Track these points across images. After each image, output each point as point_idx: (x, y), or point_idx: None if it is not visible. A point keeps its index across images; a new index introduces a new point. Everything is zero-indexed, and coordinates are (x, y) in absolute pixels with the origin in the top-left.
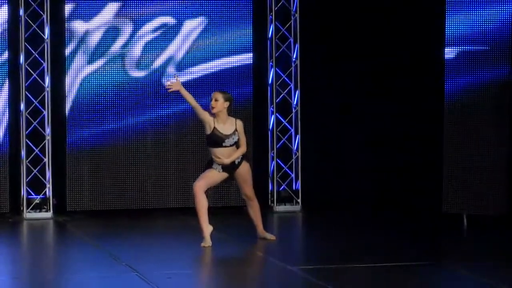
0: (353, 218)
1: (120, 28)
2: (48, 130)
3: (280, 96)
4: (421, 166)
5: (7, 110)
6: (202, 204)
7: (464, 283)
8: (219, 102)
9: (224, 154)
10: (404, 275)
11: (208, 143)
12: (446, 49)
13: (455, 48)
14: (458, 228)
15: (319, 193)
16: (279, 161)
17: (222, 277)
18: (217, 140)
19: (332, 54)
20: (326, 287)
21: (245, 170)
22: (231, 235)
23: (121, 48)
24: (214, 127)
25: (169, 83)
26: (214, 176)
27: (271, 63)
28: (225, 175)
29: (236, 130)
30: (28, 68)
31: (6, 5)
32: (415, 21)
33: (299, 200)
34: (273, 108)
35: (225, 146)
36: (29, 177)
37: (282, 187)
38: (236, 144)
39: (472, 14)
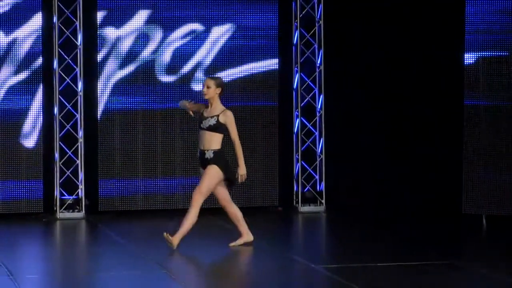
0: (375, 218)
1: (150, 35)
2: (80, 133)
3: (305, 100)
4: (441, 168)
5: (41, 114)
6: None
7: (483, 282)
8: (211, 89)
9: (202, 138)
10: (424, 274)
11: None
12: (466, 55)
13: (475, 54)
14: (477, 228)
15: (342, 194)
16: (304, 163)
17: (247, 275)
18: (198, 122)
19: (354, 59)
20: (349, 285)
21: (206, 171)
22: (255, 235)
23: (151, 53)
24: (202, 113)
25: None
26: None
27: (296, 68)
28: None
29: (217, 116)
30: (62, 73)
31: (41, 13)
32: (435, 26)
33: (323, 201)
34: (298, 112)
35: (202, 128)
36: (62, 178)
37: (307, 188)
38: (216, 130)
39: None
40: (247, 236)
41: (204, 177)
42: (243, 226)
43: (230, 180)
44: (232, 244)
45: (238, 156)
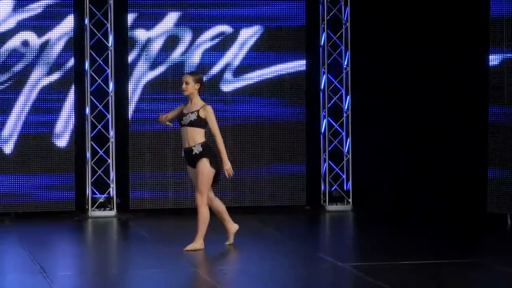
0: (401, 216)
1: (180, 36)
2: (112, 132)
3: (332, 101)
4: (465, 167)
5: (73, 114)
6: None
7: (508, 281)
8: (190, 85)
9: (183, 134)
10: (448, 273)
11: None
12: (491, 56)
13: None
14: (502, 227)
15: (369, 193)
16: (331, 163)
17: (274, 273)
18: (179, 119)
19: (381, 60)
20: (376, 283)
21: (199, 168)
22: (283, 233)
23: (180, 55)
24: (181, 111)
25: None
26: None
27: (323, 69)
28: (190, 171)
29: (197, 111)
30: (93, 74)
31: (72, 15)
32: (462, 27)
33: (350, 200)
34: (325, 112)
35: (184, 125)
36: (94, 177)
37: (334, 187)
38: (197, 125)
39: None
40: (233, 227)
41: (198, 178)
42: (227, 220)
43: (216, 175)
44: (227, 243)
45: (221, 151)
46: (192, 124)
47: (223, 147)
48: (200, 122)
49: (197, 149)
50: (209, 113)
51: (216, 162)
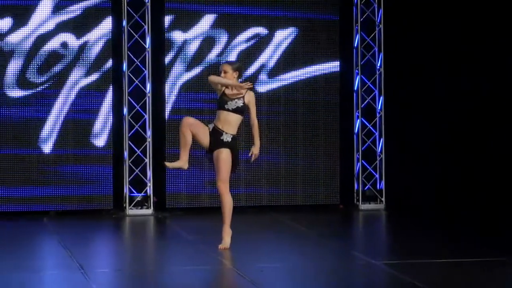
0: (434, 215)
1: (216, 38)
2: (149, 132)
3: (365, 102)
4: (499, 166)
5: (111, 114)
6: (186, 140)
7: None
8: (228, 74)
9: (225, 119)
10: (482, 271)
11: (217, 106)
12: None
13: None
14: None
15: (402, 192)
16: (364, 163)
17: (309, 270)
18: (222, 101)
19: (413, 62)
20: (409, 281)
21: (221, 154)
22: (317, 232)
23: (216, 56)
24: (223, 92)
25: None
26: (204, 131)
27: (356, 70)
28: (207, 142)
29: (243, 97)
30: (131, 75)
31: (110, 17)
32: (497, 25)
33: (383, 199)
34: (358, 113)
35: (228, 110)
36: (131, 176)
37: (367, 186)
38: (241, 113)
39: None
40: (183, 163)
41: (219, 165)
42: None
43: (233, 166)
44: (168, 164)
45: (256, 136)
46: (236, 110)
47: (259, 133)
48: (244, 109)
49: (227, 137)
50: (253, 98)
51: (236, 158)
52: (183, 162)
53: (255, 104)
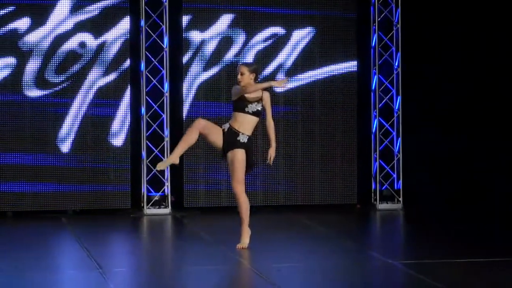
0: (451, 215)
1: (234, 38)
2: (166, 132)
3: (383, 102)
4: None
5: (129, 114)
6: (190, 139)
7: None
8: (245, 76)
9: (244, 122)
10: (499, 270)
11: (233, 109)
12: None
13: None
14: None
15: (419, 192)
16: (382, 162)
17: (326, 270)
18: (241, 104)
19: (431, 61)
20: (426, 281)
21: (236, 154)
22: (334, 231)
23: (234, 56)
24: (243, 95)
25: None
26: (217, 132)
27: (374, 70)
28: (220, 144)
29: (261, 99)
30: (149, 75)
31: (129, 17)
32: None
33: (400, 199)
34: (376, 112)
35: (247, 113)
36: (149, 176)
37: (385, 186)
38: (259, 115)
39: None
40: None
41: (235, 165)
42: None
43: (248, 166)
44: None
45: (272, 138)
46: (255, 113)
47: (275, 134)
48: (262, 111)
49: (243, 138)
50: (269, 99)
51: (251, 159)
52: (174, 157)
53: (270, 105)
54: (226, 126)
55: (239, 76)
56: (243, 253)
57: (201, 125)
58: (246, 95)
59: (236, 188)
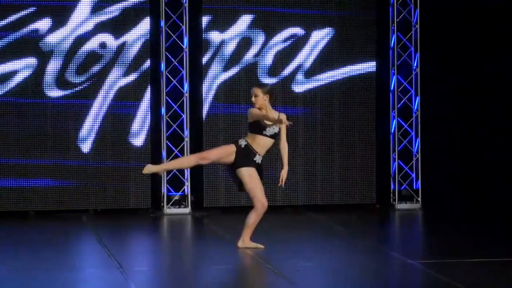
0: (470, 215)
1: (253, 38)
2: (186, 132)
3: (401, 102)
4: None
5: (149, 114)
6: (183, 165)
7: None
8: (259, 98)
9: (261, 144)
10: None
11: (250, 129)
12: None
13: None
14: None
15: (438, 192)
16: (400, 162)
17: (346, 269)
18: (259, 127)
19: (449, 62)
20: (444, 280)
21: (251, 176)
22: (353, 231)
23: (253, 56)
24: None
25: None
26: (223, 151)
27: (393, 71)
28: (231, 159)
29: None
30: (169, 75)
31: (149, 18)
32: None
33: (419, 199)
34: (394, 113)
35: (265, 135)
36: (169, 176)
37: (403, 186)
38: (277, 138)
39: None
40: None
41: (255, 183)
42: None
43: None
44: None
45: (285, 161)
46: (272, 136)
47: (287, 156)
48: (278, 133)
49: (259, 159)
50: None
51: (261, 177)
52: (161, 169)
53: (285, 126)
54: (243, 142)
55: (253, 98)
56: (262, 253)
57: (204, 158)
58: (264, 119)
59: (266, 201)
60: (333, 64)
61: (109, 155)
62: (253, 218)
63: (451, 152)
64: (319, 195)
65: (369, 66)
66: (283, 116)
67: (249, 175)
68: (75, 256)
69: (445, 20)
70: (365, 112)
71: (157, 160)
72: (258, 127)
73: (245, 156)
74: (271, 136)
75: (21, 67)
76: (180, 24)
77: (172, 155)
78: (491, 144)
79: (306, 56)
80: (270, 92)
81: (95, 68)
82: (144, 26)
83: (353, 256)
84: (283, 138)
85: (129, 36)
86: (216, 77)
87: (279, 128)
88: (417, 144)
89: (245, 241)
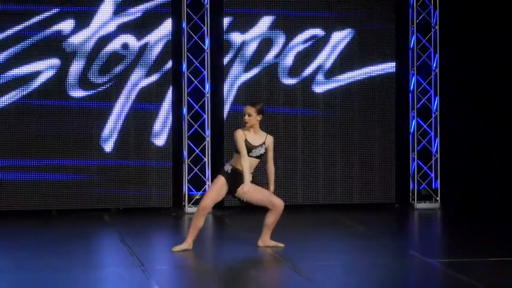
0: (488, 214)
1: (274, 39)
2: (207, 132)
3: (421, 102)
4: None
5: (170, 114)
6: (198, 224)
7: None
8: (252, 117)
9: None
10: None
11: (236, 150)
12: None
13: None
14: None
15: (456, 192)
16: (420, 162)
17: (365, 268)
18: (246, 150)
19: (468, 62)
20: (464, 279)
21: (251, 188)
22: (373, 230)
23: (274, 57)
24: (245, 139)
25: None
26: (218, 191)
27: (412, 71)
28: (225, 190)
29: (264, 143)
30: (190, 76)
31: (170, 19)
32: None
33: (438, 198)
34: (414, 113)
35: (251, 156)
36: (190, 175)
37: (422, 186)
38: (262, 158)
39: None
40: (189, 244)
41: (262, 193)
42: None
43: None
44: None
45: (271, 182)
46: (258, 157)
47: (273, 178)
48: (264, 153)
49: (251, 177)
50: (272, 144)
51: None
52: (187, 244)
53: (273, 149)
54: (229, 168)
55: (246, 117)
56: (282, 251)
57: (206, 208)
58: (251, 141)
59: (280, 201)
60: (353, 65)
61: (131, 155)
62: (272, 218)
63: (470, 152)
64: (338, 194)
65: (389, 67)
66: (270, 139)
67: (251, 191)
68: (97, 254)
69: (465, 20)
70: (385, 112)
71: (178, 160)
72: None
73: (235, 179)
74: (257, 157)
75: (45, 68)
76: (202, 25)
77: (193, 155)
78: (510, 144)
79: (326, 57)
80: (262, 111)
81: (118, 69)
82: (166, 27)
83: (373, 255)
84: (270, 162)
85: (151, 37)
86: (237, 78)
87: (265, 149)
88: (436, 144)
89: (265, 240)
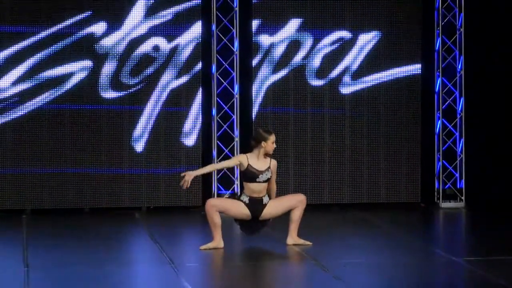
0: None
1: (301, 41)
2: (236, 132)
3: (446, 103)
4: None
5: (200, 115)
6: (214, 221)
7: None
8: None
9: (257, 190)
10: None
11: (243, 178)
12: None
13: None
14: None
15: (481, 191)
16: (445, 162)
17: (391, 266)
18: (252, 175)
19: (493, 64)
20: (489, 278)
21: (272, 205)
22: (398, 229)
23: (302, 59)
24: (248, 164)
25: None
26: (236, 206)
27: (437, 73)
28: (246, 212)
29: (269, 167)
30: (219, 77)
31: (200, 21)
32: None
33: (463, 198)
34: (439, 114)
35: (259, 182)
36: (219, 174)
37: (447, 185)
38: (268, 180)
39: None
40: (218, 242)
41: (282, 204)
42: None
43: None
44: (202, 247)
45: (274, 197)
46: (266, 181)
47: (275, 194)
48: (271, 177)
49: (266, 200)
50: (274, 167)
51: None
52: (217, 242)
53: (276, 171)
54: (246, 199)
55: (274, 144)
56: (309, 250)
57: (211, 204)
58: (256, 167)
59: (301, 196)
60: (380, 67)
61: (162, 155)
62: (297, 213)
63: (494, 152)
64: (365, 193)
65: (415, 69)
66: (274, 163)
67: (269, 206)
68: (128, 251)
69: (489, 23)
70: (410, 113)
71: (208, 160)
72: (251, 176)
73: (255, 206)
74: (264, 182)
75: (77, 70)
76: (231, 27)
77: (223, 155)
78: None
79: (353, 58)
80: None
81: (149, 70)
82: (195, 29)
83: (399, 254)
84: (273, 182)
85: (181, 39)
86: (265, 79)
87: (271, 173)
88: (461, 144)
89: (293, 237)
